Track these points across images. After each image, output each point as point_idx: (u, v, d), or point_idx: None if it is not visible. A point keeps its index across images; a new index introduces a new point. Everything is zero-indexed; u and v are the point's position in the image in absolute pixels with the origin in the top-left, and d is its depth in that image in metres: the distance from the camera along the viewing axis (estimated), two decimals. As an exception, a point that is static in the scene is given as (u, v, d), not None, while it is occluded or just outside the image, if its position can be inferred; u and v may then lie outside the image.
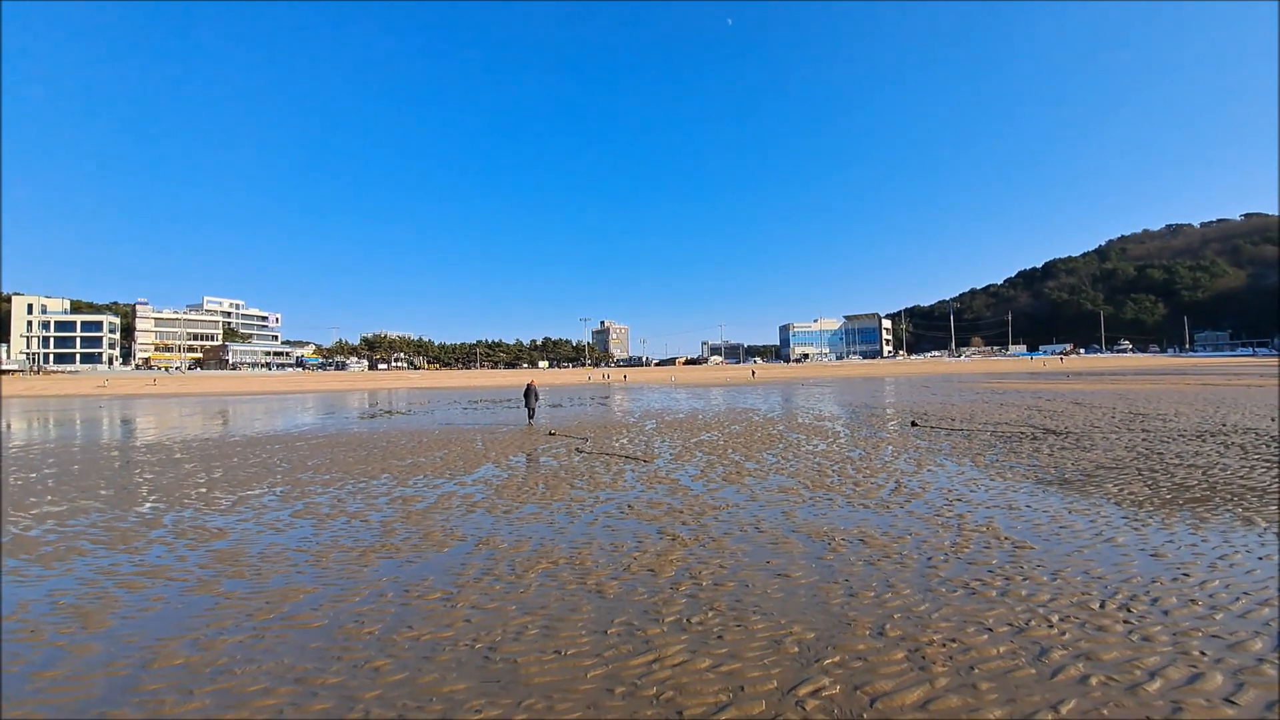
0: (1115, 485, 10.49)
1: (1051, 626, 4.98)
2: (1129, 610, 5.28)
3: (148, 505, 10.97)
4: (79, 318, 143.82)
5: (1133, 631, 4.88)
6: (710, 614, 5.41)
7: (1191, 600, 5.51)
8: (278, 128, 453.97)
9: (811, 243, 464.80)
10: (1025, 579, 6.09)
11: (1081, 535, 7.61)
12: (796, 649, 4.71)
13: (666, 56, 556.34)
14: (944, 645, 4.68)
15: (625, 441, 18.33)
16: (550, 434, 20.70)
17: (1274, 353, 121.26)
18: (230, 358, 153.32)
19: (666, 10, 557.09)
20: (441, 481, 12.54)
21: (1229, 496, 9.44)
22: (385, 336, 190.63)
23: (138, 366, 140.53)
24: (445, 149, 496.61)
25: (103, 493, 12.08)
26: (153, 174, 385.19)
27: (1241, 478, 10.81)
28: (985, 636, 4.83)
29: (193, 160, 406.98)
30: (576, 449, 16.84)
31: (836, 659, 4.54)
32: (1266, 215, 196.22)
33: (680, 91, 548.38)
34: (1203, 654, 4.52)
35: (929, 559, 6.80)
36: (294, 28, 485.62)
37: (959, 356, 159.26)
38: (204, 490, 12.21)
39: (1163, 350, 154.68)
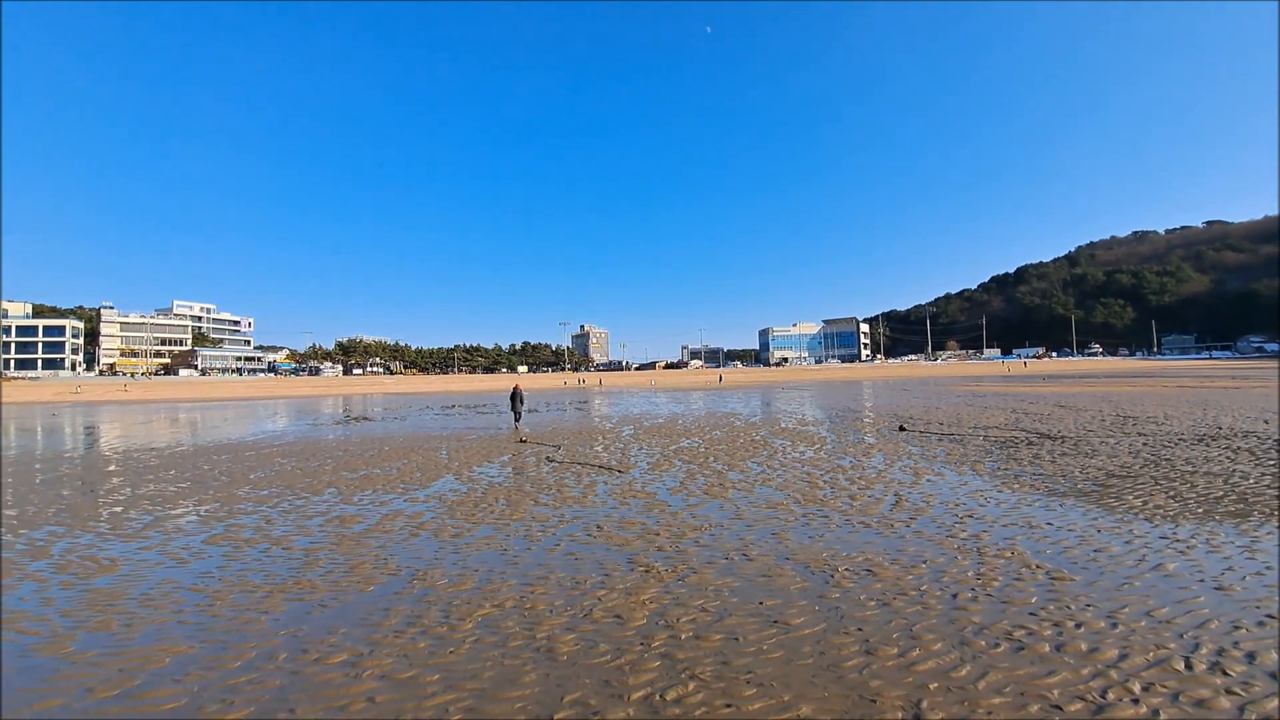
0: (1136, 497, 9.49)
1: (1138, 702, 3.79)
2: (1224, 673, 4.14)
3: (45, 529, 9.46)
4: (40, 322, 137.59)
5: (1245, 708, 3.71)
6: (691, 685, 4.14)
7: (1288, 653, 4.42)
8: (252, 126, 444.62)
9: (789, 248, 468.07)
10: (1079, 625, 4.93)
11: (1123, 562, 6.51)
12: (808, 744, 3.48)
13: (644, 61, 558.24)
14: (1004, 735, 3.49)
15: (600, 449, 17.05)
16: (521, 441, 19.36)
17: (1234, 355, 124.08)
18: (200, 363, 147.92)
19: (641, 13, 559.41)
20: (391, 498, 11.14)
21: (1268, 512, 8.47)
22: (361, 341, 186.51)
23: (101, 373, 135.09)
24: (423, 150, 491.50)
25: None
26: (121, 174, 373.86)
27: (1269, 487, 9.90)
28: (1055, 720, 3.64)
29: (163, 160, 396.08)
30: (547, 458, 15.53)
31: (863, 759, 3.32)
32: (1227, 223, 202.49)
33: (658, 96, 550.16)
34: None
35: (954, 596, 5.62)
36: (267, 25, 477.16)
37: (935, 360, 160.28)
38: (119, 510, 10.67)
39: (1132, 353, 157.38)
